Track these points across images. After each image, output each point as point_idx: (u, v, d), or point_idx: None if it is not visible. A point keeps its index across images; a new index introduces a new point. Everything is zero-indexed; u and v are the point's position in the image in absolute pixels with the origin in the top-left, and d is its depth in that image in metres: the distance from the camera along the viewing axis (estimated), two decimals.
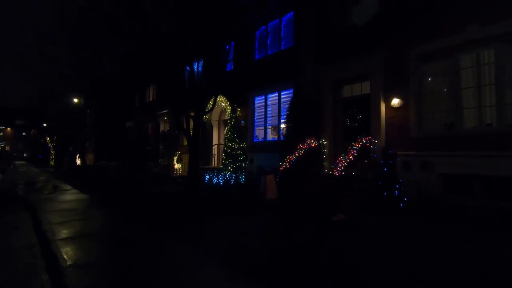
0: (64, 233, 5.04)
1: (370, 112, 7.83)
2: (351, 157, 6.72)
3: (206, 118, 13.67)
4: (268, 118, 11.36)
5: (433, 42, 6.82)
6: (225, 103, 12.45)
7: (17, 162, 43.66)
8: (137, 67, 22.41)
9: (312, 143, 8.34)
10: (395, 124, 7.41)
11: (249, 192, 9.11)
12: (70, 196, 9.49)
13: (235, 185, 10.29)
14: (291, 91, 10.40)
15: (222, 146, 13.36)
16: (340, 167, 6.57)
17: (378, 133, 7.51)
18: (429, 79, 7.14)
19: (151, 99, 20.64)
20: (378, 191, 6.41)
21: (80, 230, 5.30)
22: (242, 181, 10.47)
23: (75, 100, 22.74)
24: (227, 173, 10.77)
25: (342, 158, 6.70)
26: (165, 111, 17.61)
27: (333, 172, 8.38)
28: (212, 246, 4.27)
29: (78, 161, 25.30)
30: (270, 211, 6.82)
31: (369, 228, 5.31)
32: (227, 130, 11.42)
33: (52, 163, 32.09)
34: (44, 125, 36.61)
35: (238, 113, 11.60)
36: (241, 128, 11.63)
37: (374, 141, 7.47)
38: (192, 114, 9.71)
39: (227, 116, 13.20)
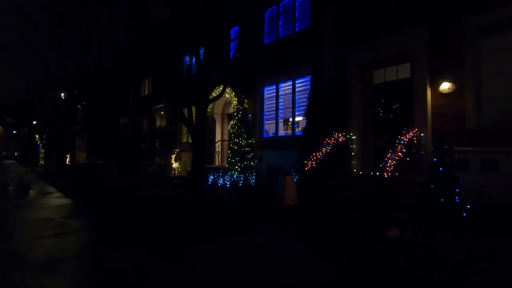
0: (23, 260, 3.61)
1: (411, 100, 6.46)
2: (399, 153, 5.34)
3: (208, 111, 12.24)
4: (280, 111, 9.96)
5: (496, 10, 5.45)
6: (230, 94, 11.02)
7: (7, 161, 41.94)
8: (131, 58, 20.88)
9: (340, 137, 6.96)
10: (446, 114, 6.04)
11: (261, 196, 7.74)
12: (50, 201, 8.03)
13: (244, 188, 8.90)
14: (308, 78, 9.00)
15: (226, 143, 11.94)
16: (390, 166, 5.19)
17: (424, 125, 6.14)
18: (490, 57, 5.77)
19: (146, 93, 19.12)
20: (434, 197, 5.05)
21: (47, 253, 3.87)
22: (252, 182, 9.07)
23: (64, 95, 21.14)
24: (234, 173, 9.36)
25: (391, 155, 5.32)
26: (161, 106, 16.12)
27: (365, 171, 7.01)
28: None
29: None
30: (295, 223, 5.44)
31: (442, 250, 3.93)
32: (233, 124, 10.01)
33: (42, 162, 30.47)
34: (34, 122, 34.93)
35: (245, 105, 10.18)
36: (248, 122, 10.21)
37: (420, 134, 6.10)
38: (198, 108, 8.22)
39: (232, 109, 11.78)
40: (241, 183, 8.93)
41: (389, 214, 5.11)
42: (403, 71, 6.95)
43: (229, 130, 11.93)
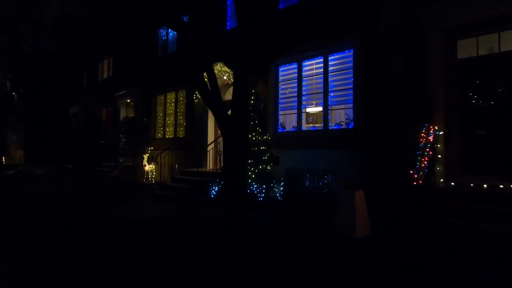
0: None
1: None
2: None
3: (196, 98, 9.35)
4: (303, 97, 7.50)
5: None
6: (230, 73, 8.29)
7: None
8: (84, 33, 16.79)
9: (431, 133, 4.73)
10: None
11: (305, 219, 5.27)
12: None
13: (269, 203, 6.28)
14: (350, 52, 6.67)
15: (221, 140, 9.18)
16: None
17: None
18: None
19: (105, 76, 15.37)
20: None
21: None
22: (278, 195, 6.50)
23: None
24: (246, 181, 6.71)
25: None
26: (124, 92, 12.68)
27: (456, 182, 4.87)
28: None
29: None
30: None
31: None
32: None
33: None
34: None
35: (257, 88, 7.51)
36: (261, 112, 7.61)
37: None
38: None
39: (231, 94, 9.05)
40: (262, 197, 6.32)
41: None
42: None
43: None
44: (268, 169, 7.03)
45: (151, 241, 4.35)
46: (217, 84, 5.13)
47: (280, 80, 7.98)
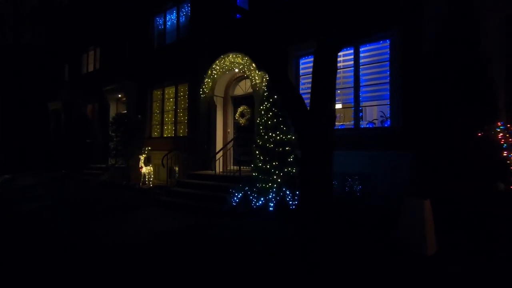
0: None
1: None
2: None
3: (203, 93, 8.44)
4: None
5: None
6: (244, 65, 7.44)
7: None
8: (65, 19, 15.28)
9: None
10: None
11: (355, 231, 4.54)
12: None
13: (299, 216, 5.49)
14: (386, 43, 6.03)
15: (233, 140, 8.34)
16: None
17: None
18: None
19: (90, 69, 14.00)
20: None
21: None
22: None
23: None
24: (268, 187, 5.89)
25: None
26: (115, 86, 11.50)
27: None
28: None
29: None
30: None
31: None
32: (263, 109, 6.49)
33: None
34: None
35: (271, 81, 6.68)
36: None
37: None
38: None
39: (241, 90, 8.22)
40: (295, 204, 5.52)
41: None
42: None
43: (236, 121, 8.33)
44: (293, 172, 6.27)
45: (189, 275, 3.46)
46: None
47: (301, 74, 7.23)
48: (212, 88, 8.22)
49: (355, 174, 6.09)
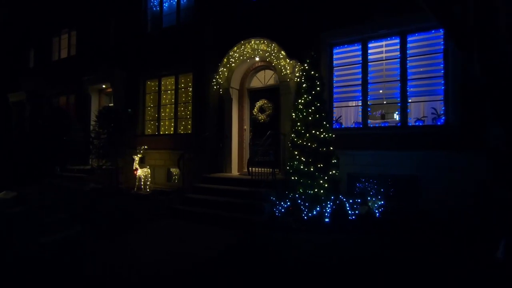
0: None
1: None
2: None
3: (216, 84, 7.38)
4: (370, 86, 6.10)
5: None
6: (270, 53, 6.51)
7: None
8: None
9: None
10: None
11: (449, 249, 3.86)
12: None
13: (366, 223, 4.65)
14: (439, 32, 5.46)
15: (248, 136, 7.39)
16: None
17: None
18: None
19: (63, 55, 12.10)
20: None
21: None
22: (377, 211, 4.92)
23: None
24: (315, 193, 5.06)
25: None
26: (97, 76, 9.94)
27: None
28: None
29: None
30: None
31: None
32: (301, 103, 5.61)
33: None
34: None
35: (316, 72, 5.82)
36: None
37: None
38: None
39: (260, 81, 7.29)
40: (356, 214, 4.71)
41: None
42: None
43: (254, 117, 7.36)
44: (336, 175, 5.50)
45: None
46: None
47: (334, 65, 6.47)
48: (228, 79, 7.17)
49: (401, 176, 5.48)
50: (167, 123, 9.10)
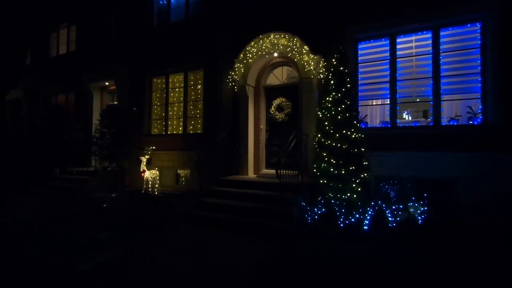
0: None
1: None
2: None
3: (232, 81, 7.00)
4: (399, 83, 5.76)
5: None
6: (292, 48, 6.13)
7: None
8: None
9: None
10: None
11: None
12: None
13: (409, 231, 4.27)
14: (475, 27, 5.16)
15: (263, 136, 7.02)
16: None
17: None
18: None
19: (62, 51, 11.55)
20: None
21: None
22: (420, 221, 4.53)
23: None
24: (348, 199, 4.70)
25: None
26: (99, 73, 9.45)
27: None
28: None
29: None
30: None
31: None
32: (329, 101, 5.24)
33: None
34: None
35: (345, 67, 5.45)
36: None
37: None
38: None
39: (276, 79, 6.91)
40: (397, 221, 4.34)
41: None
42: None
43: (271, 116, 6.97)
44: (367, 178, 5.14)
45: None
46: None
47: (359, 61, 6.11)
48: (245, 76, 6.76)
49: (434, 179, 5.15)
50: (175, 122, 8.65)
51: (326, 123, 5.23)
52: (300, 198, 4.97)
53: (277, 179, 5.20)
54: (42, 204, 6.85)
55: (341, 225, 4.33)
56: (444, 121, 5.43)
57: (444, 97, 5.44)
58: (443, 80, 5.41)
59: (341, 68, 5.25)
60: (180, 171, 8.30)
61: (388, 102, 5.83)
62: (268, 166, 7.02)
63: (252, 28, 6.79)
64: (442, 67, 5.42)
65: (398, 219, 4.28)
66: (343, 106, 5.08)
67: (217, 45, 7.64)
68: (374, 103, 6.16)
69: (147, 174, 7.83)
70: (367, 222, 4.25)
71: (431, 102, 5.48)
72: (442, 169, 5.19)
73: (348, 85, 5.16)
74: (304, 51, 5.95)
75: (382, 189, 5.39)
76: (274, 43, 6.30)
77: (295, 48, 6.04)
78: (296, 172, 5.31)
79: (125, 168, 8.49)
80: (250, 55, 6.60)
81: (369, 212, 4.28)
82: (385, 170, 5.61)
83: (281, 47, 6.27)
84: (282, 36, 6.21)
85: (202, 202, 5.67)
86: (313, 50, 5.94)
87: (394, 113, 5.75)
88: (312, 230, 4.39)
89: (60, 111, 9.83)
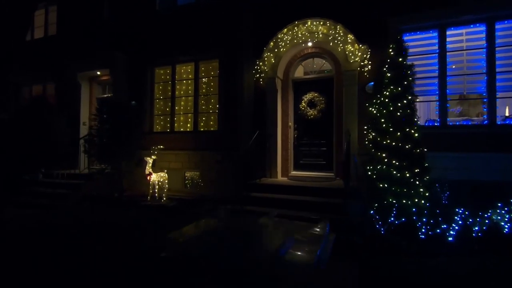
0: None
1: None
2: None
3: (260, 72, 6.27)
4: (449, 79, 5.36)
5: None
6: (334, 36, 5.51)
7: None
8: None
9: None
10: None
11: None
12: None
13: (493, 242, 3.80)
14: None
15: (290, 133, 6.35)
16: None
17: None
18: None
19: (39, 34, 9.99)
20: None
21: None
22: (506, 229, 4.06)
23: None
24: (414, 204, 4.18)
25: None
26: (90, 60, 8.21)
27: None
28: None
29: None
30: None
31: None
32: (387, 96, 4.68)
33: None
34: None
35: (400, 58, 4.91)
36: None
37: None
38: None
39: (303, 71, 6.25)
40: (483, 230, 3.85)
41: None
42: None
43: (301, 112, 6.31)
44: (429, 181, 4.66)
45: None
46: None
47: (403, 54, 5.63)
48: (274, 67, 6.04)
49: (492, 183, 4.81)
50: (182, 118, 7.68)
51: (382, 120, 4.67)
52: (358, 205, 4.37)
53: (315, 182, 4.56)
54: None
55: (422, 236, 3.78)
56: (500, 120, 5.12)
57: (499, 94, 5.12)
58: (498, 76, 5.08)
59: (400, 59, 4.72)
60: (190, 173, 7.37)
61: (437, 99, 5.41)
62: (297, 167, 6.35)
63: (285, 14, 6.08)
64: (498, 62, 5.10)
65: (484, 228, 3.81)
66: (404, 101, 4.55)
67: (236, 32, 6.80)
68: (421, 100, 5.72)
69: (154, 177, 6.80)
70: (453, 232, 3.73)
71: (485, 100, 5.14)
72: (499, 171, 4.85)
73: (410, 78, 4.64)
74: (349, 40, 5.36)
75: (441, 193, 4.96)
76: (312, 30, 5.65)
77: (338, 36, 5.43)
78: (333, 174, 4.68)
79: (123, 170, 7.37)
80: (282, 44, 5.89)
81: (457, 221, 3.77)
82: (434, 172, 5.18)
83: (320, 35, 5.61)
84: (322, 23, 5.57)
85: (235, 211, 4.86)
86: (359, 40, 5.36)
87: (444, 110, 5.34)
88: (386, 243, 3.80)
89: (41, 104, 8.39)
